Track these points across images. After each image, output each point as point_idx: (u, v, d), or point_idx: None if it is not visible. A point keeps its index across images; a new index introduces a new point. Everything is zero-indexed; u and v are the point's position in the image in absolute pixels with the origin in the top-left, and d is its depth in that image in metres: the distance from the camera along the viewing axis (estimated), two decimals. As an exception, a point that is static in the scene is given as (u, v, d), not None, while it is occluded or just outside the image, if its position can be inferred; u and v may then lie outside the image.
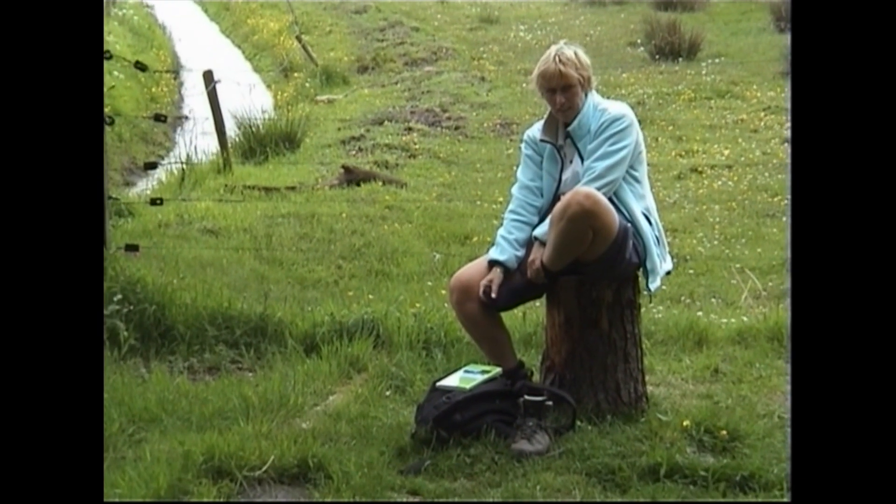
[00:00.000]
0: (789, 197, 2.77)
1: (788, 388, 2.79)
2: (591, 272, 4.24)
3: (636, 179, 4.32)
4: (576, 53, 4.31)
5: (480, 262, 4.42)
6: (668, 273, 4.47)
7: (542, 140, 4.39)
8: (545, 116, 4.43)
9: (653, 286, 4.31)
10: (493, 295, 4.24)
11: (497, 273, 4.29)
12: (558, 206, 4.11)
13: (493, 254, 4.34)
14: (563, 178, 4.36)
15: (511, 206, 4.44)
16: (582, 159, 4.29)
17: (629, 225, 4.19)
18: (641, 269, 4.29)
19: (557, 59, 4.27)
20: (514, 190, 4.47)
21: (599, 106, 4.31)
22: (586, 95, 4.33)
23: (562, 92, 4.27)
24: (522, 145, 4.52)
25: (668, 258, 4.45)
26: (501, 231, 4.39)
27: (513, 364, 4.34)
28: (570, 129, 4.32)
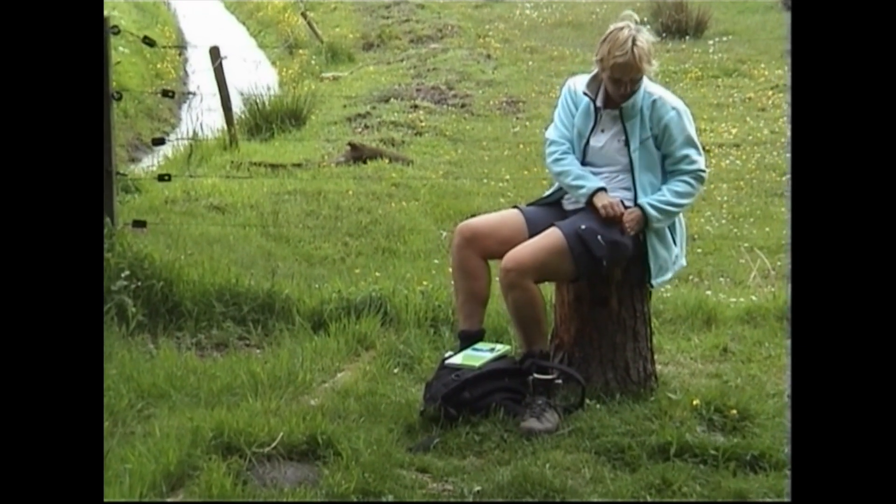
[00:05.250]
0: (789, 177, 2.74)
1: (788, 373, 2.76)
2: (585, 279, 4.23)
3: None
4: (647, 40, 4.15)
5: (493, 216, 4.42)
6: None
7: (584, 92, 4.26)
8: (592, 72, 4.28)
9: (656, 281, 4.28)
10: (622, 211, 4.15)
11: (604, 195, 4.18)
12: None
13: (590, 182, 4.20)
14: (592, 142, 4.28)
15: (559, 151, 4.31)
16: (626, 135, 4.22)
17: (579, 227, 4.09)
18: (645, 261, 4.25)
19: (637, 53, 4.09)
20: (552, 135, 4.37)
21: (648, 87, 4.21)
22: None
23: (632, 83, 4.17)
24: (564, 90, 4.39)
25: (683, 256, 4.42)
26: (570, 169, 4.25)
27: (475, 328, 4.28)
28: (623, 105, 4.20)
